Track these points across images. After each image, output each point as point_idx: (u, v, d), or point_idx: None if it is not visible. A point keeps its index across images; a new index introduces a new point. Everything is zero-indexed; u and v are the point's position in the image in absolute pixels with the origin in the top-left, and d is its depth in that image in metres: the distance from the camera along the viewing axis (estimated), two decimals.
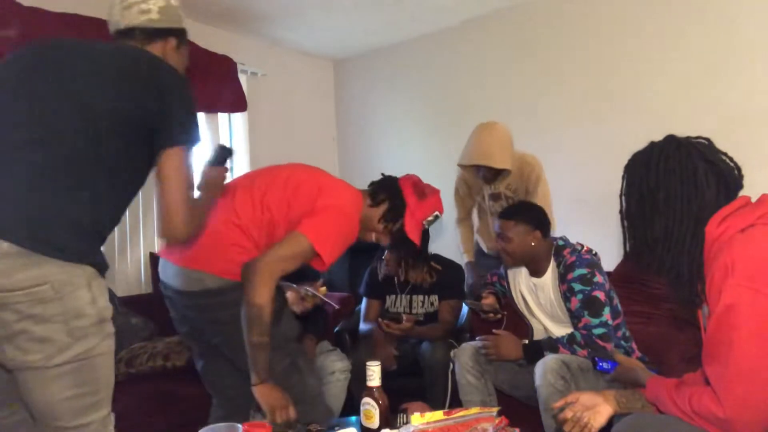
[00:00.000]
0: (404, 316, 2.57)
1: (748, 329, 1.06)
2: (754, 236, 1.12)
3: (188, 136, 1.35)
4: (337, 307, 2.68)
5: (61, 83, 1.27)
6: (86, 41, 1.39)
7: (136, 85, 1.31)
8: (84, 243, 1.22)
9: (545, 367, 1.86)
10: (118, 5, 1.48)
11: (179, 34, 1.54)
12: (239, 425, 1.28)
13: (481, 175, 2.74)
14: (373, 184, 1.99)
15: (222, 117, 3.65)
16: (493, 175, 2.70)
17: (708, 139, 1.29)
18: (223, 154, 1.74)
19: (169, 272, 1.74)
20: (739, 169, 1.25)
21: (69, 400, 1.19)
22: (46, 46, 1.35)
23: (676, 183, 1.21)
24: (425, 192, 1.97)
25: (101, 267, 1.26)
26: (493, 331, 2.15)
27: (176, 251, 1.73)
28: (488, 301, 2.37)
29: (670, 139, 1.28)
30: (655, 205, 1.23)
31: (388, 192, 1.93)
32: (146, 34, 1.47)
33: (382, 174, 2.03)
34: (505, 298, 2.40)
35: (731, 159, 1.26)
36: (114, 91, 1.29)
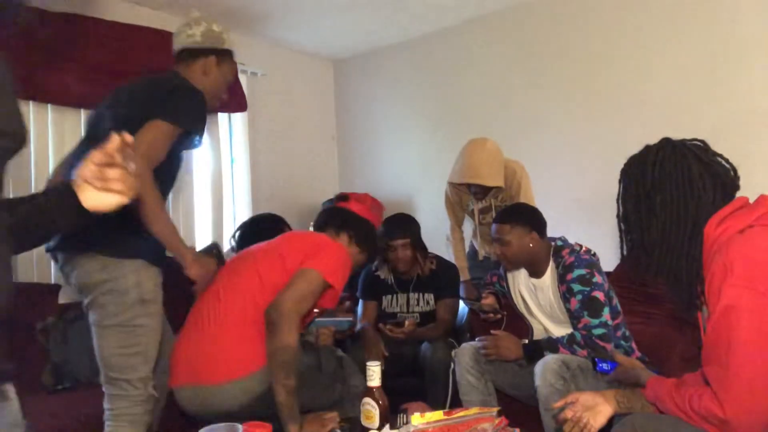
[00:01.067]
0: (406, 321, 2.57)
1: (747, 330, 1.07)
2: (752, 237, 1.12)
3: (169, 112, 1.63)
4: (350, 318, 2.66)
5: (112, 120, 1.67)
6: (131, 83, 1.79)
7: (153, 97, 1.67)
8: (131, 243, 1.63)
9: (545, 367, 1.86)
10: (174, 34, 1.88)
11: (219, 53, 1.88)
12: (239, 425, 1.27)
13: (472, 192, 2.75)
14: (320, 224, 2.08)
15: (222, 117, 3.65)
16: (485, 192, 2.71)
17: (703, 141, 1.29)
18: (216, 254, 1.88)
19: (204, 398, 1.70)
20: (735, 170, 1.26)
21: (116, 356, 1.63)
22: (108, 96, 1.79)
23: (672, 186, 1.21)
24: (360, 198, 2.08)
25: (152, 259, 1.67)
26: (492, 331, 2.15)
27: (196, 372, 1.71)
28: (488, 301, 2.38)
29: (665, 142, 1.28)
30: (651, 209, 1.24)
31: (339, 218, 2.05)
32: (190, 53, 1.85)
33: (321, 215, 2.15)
34: (504, 298, 2.40)
35: (727, 160, 1.26)
36: (146, 110, 1.64)
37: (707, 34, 2.86)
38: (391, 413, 1.58)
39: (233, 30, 2.20)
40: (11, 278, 0.93)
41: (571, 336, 1.99)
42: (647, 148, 1.31)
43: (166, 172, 1.73)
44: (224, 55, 1.90)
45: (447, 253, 3.03)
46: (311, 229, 2.14)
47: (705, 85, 2.86)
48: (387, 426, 1.52)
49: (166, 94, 1.67)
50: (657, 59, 3.00)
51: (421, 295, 2.73)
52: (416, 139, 4.06)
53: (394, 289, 2.77)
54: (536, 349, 2.04)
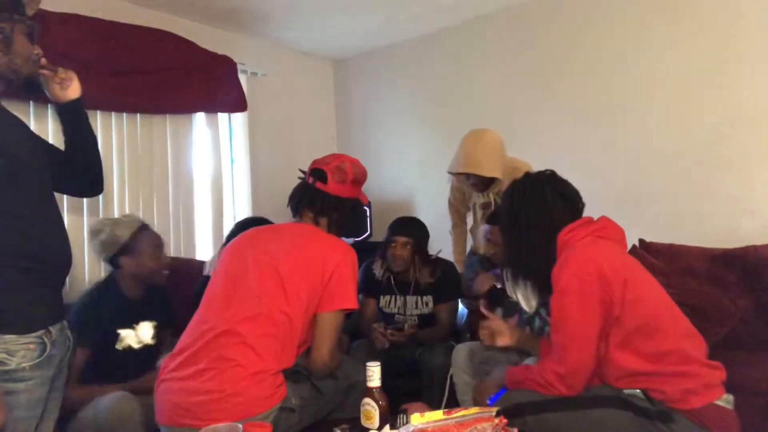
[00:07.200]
0: (406, 325, 2.58)
1: (575, 308, 1.50)
2: (586, 243, 1.58)
3: None
4: None
5: None
6: None
7: None
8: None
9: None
10: None
11: None
12: (239, 425, 1.27)
13: (470, 183, 2.71)
14: (299, 206, 1.92)
15: (222, 117, 3.65)
16: (484, 183, 2.67)
17: (552, 171, 1.75)
18: None
19: None
20: (577, 192, 1.72)
21: None
22: None
23: (532, 207, 1.66)
24: (338, 176, 1.92)
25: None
26: (482, 309, 2.10)
27: (193, 412, 1.52)
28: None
29: (526, 176, 1.76)
30: (518, 225, 1.68)
31: (318, 203, 1.88)
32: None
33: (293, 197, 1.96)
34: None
35: (570, 184, 1.72)
36: None
37: (707, 35, 2.86)
38: (391, 413, 1.58)
39: (233, 30, 2.19)
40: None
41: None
42: (513, 182, 1.77)
43: None
44: None
45: (449, 246, 3.02)
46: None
47: (705, 85, 2.85)
48: (387, 426, 1.52)
49: None
50: (658, 59, 3.00)
51: (419, 298, 2.71)
52: (416, 139, 4.06)
53: (393, 290, 2.75)
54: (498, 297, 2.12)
